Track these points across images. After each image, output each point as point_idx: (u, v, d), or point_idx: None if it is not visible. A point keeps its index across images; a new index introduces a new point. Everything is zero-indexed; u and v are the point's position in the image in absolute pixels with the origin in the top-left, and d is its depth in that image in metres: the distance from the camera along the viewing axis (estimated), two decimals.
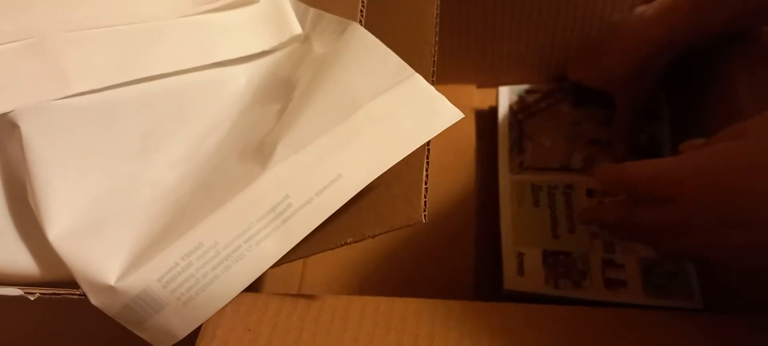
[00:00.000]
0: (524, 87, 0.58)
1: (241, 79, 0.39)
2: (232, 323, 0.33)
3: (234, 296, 0.31)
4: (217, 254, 0.30)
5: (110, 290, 0.30)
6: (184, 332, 0.31)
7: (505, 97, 0.58)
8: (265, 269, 0.31)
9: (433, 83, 0.34)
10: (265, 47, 0.39)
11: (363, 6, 0.40)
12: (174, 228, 0.31)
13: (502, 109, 0.57)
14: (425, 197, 0.32)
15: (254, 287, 0.32)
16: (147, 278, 0.30)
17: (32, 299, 0.30)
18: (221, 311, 0.32)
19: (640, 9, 0.47)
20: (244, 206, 0.30)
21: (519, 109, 0.57)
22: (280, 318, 0.33)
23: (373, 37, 0.35)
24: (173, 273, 0.30)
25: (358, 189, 0.31)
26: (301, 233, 0.31)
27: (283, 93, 0.37)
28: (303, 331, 0.33)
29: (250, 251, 0.31)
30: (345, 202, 0.31)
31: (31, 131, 0.31)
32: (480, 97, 0.62)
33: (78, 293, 0.31)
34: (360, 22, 0.39)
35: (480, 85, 0.63)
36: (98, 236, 0.31)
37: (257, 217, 0.30)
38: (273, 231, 0.31)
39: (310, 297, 0.34)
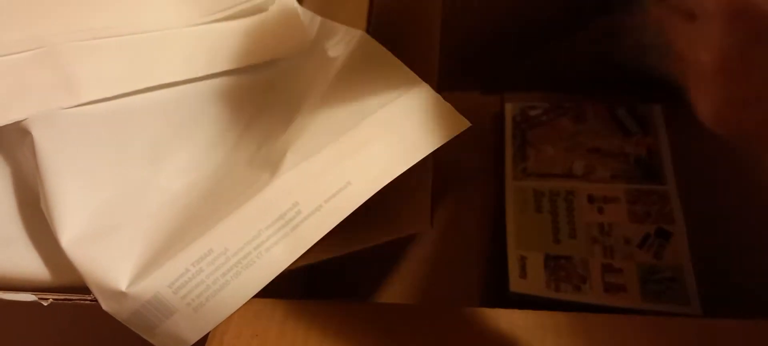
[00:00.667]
0: (527, 104, 0.60)
1: (250, 86, 0.39)
2: (240, 329, 0.34)
3: (244, 302, 0.32)
4: (227, 260, 0.31)
5: (121, 295, 0.30)
6: (194, 338, 0.32)
7: (510, 110, 0.60)
8: (274, 276, 0.32)
9: (436, 91, 0.34)
10: (275, 55, 0.40)
11: (370, 14, 0.41)
12: (184, 234, 0.32)
13: (507, 121, 0.59)
14: (431, 204, 0.32)
15: (261, 292, 0.33)
16: (158, 284, 0.30)
17: (45, 304, 0.31)
18: (229, 317, 0.32)
19: None
20: (254, 213, 0.31)
21: (522, 119, 0.59)
22: (287, 325, 0.34)
23: (381, 47, 0.36)
24: (184, 279, 0.31)
25: (366, 196, 0.31)
26: (310, 240, 0.31)
27: (292, 101, 0.37)
28: (309, 337, 0.33)
29: (259, 257, 0.31)
30: (354, 209, 0.31)
31: (42, 139, 0.32)
32: (484, 104, 0.63)
33: (89, 298, 0.31)
34: (367, 29, 0.39)
35: (484, 92, 0.63)
36: (109, 241, 0.32)
37: (267, 224, 0.31)
38: (282, 238, 0.31)
39: (317, 303, 0.35)
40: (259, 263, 0.31)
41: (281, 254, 0.31)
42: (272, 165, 0.32)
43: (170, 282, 0.30)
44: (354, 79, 0.35)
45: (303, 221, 0.31)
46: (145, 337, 0.32)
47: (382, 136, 0.32)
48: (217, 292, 0.31)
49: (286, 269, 0.32)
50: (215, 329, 0.33)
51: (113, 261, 0.31)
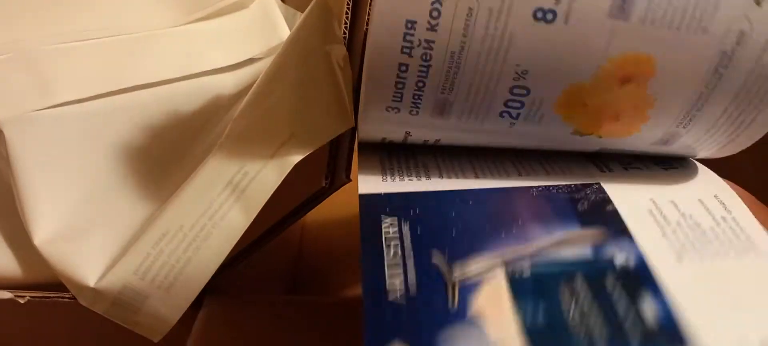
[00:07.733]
0: None
1: (230, 85, 0.39)
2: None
3: (212, 273, 0.31)
4: (185, 236, 0.30)
5: (93, 291, 0.31)
6: (173, 317, 0.31)
7: None
8: (234, 242, 0.31)
9: None
10: (255, 53, 0.39)
11: (348, 9, 0.40)
12: (145, 224, 0.32)
13: None
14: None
15: (247, 285, 0.32)
16: (123, 274, 0.30)
17: (22, 302, 0.31)
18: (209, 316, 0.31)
19: None
20: (202, 185, 0.30)
21: None
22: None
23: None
24: (147, 263, 0.30)
25: (312, 148, 0.30)
26: (262, 199, 0.30)
27: None
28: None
29: (216, 226, 0.30)
30: (298, 160, 0.30)
31: (15, 138, 0.32)
32: None
33: (68, 296, 0.32)
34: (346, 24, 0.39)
35: None
36: (81, 240, 0.32)
37: (217, 192, 0.30)
38: (235, 202, 0.30)
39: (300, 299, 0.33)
40: (217, 233, 0.30)
41: (236, 218, 0.31)
42: (218, 137, 0.31)
43: (135, 269, 0.30)
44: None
45: (251, 181, 0.30)
46: (129, 327, 0.32)
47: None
48: (184, 268, 0.31)
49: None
50: (196, 326, 0.32)
51: (84, 259, 0.31)
